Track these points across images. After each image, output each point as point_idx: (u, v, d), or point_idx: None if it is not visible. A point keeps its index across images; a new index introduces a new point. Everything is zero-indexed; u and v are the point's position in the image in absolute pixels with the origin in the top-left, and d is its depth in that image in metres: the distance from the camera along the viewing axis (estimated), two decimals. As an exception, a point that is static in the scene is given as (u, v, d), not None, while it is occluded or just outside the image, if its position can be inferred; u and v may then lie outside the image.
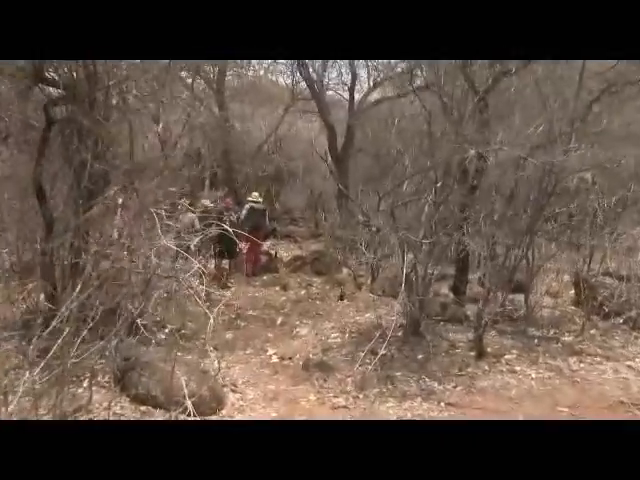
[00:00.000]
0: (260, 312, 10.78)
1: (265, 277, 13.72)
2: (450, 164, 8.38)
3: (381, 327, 8.48)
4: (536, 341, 8.40)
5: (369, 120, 18.85)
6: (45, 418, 4.69)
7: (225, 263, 13.76)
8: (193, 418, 4.78)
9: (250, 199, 14.99)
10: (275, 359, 8.15)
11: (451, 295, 10.12)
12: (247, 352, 8.36)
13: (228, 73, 19.17)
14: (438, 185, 8.35)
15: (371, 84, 19.65)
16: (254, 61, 20.13)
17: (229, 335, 9.01)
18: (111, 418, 5.68)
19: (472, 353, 7.80)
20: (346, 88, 19.88)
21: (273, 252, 15.76)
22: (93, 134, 7.38)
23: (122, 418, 5.90)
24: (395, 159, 9.77)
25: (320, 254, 14.73)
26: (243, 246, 14.33)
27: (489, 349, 7.91)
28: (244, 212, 14.39)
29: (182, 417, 4.94)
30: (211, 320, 5.47)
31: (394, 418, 6.16)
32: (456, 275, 10.40)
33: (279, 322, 10.07)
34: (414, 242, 7.67)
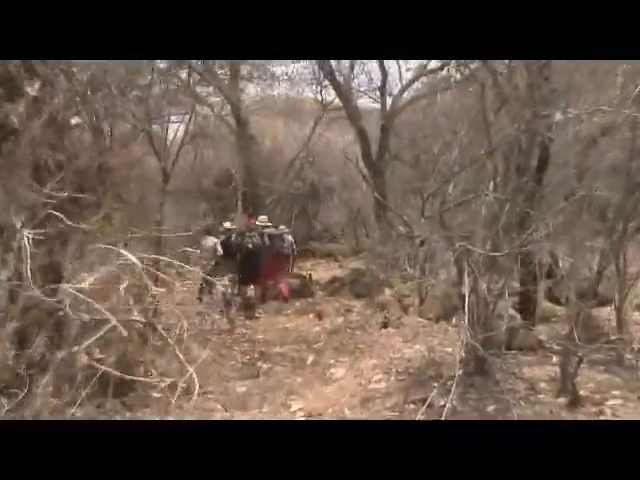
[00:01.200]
0: (289, 348, 8.82)
1: (298, 303, 11.73)
2: (512, 148, 6.27)
3: (435, 364, 6.59)
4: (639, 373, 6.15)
5: (404, 123, 16.77)
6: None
7: (251, 290, 11.84)
8: (193, 418, 4.53)
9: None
10: (300, 416, 6.06)
11: (518, 316, 7.88)
12: (264, 410, 6.29)
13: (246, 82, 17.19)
14: (498, 179, 6.24)
15: (403, 83, 17.60)
16: (277, 71, 18.72)
17: (241, 388, 6.94)
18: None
19: (561, 399, 5.60)
20: (377, 93, 17.93)
21: (307, 274, 13.73)
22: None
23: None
24: (440, 153, 7.78)
25: (360, 274, 12.67)
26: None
27: (582, 391, 5.71)
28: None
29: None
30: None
31: None
32: (522, 290, 8.19)
33: (310, 361, 8.07)
34: (474, 254, 5.56)
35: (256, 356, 8.50)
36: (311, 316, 10.77)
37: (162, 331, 5.24)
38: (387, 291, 10.86)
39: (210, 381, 7.16)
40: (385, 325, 9.28)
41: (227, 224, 13.36)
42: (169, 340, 5.08)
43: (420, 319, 9.44)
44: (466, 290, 5.49)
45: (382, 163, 15.90)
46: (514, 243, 5.87)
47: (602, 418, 5.18)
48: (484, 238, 6.01)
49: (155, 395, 6.25)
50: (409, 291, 11.00)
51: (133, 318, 5.40)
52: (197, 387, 4.42)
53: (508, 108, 6.73)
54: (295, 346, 8.91)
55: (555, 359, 6.76)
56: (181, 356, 4.84)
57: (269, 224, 13.25)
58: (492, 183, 6.31)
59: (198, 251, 12.54)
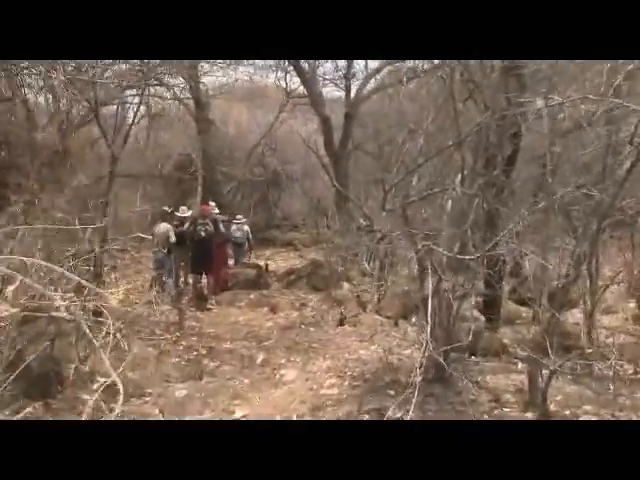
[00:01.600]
0: (239, 345, 8.17)
1: (252, 295, 11.05)
2: (482, 139, 5.71)
3: (392, 369, 6.12)
4: (611, 385, 5.66)
5: (369, 113, 16.16)
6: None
7: (203, 280, 11.21)
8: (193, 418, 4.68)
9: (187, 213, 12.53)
10: (243, 425, 5.44)
11: (482, 318, 7.33)
12: (204, 416, 5.64)
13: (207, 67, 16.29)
14: (466, 172, 5.69)
15: (369, 71, 17.02)
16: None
17: (182, 391, 6.25)
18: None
19: (529, 414, 5.08)
20: (342, 81, 17.34)
21: (264, 264, 13.09)
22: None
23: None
24: (404, 142, 7.24)
25: (318, 266, 12.05)
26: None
27: (551, 404, 5.20)
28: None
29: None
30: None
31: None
32: (486, 291, 7.64)
33: (259, 360, 7.43)
34: (438, 253, 5.00)
35: (204, 352, 7.85)
36: (265, 309, 10.15)
37: (87, 330, 4.56)
38: (345, 285, 10.27)
39: (149, 382, 6.50)
40: (341, 322, 8.73)
41: (183, 209, 12.67)
42: (94, 341, 4.41)
43: (378, 317, 8.92)
44: (429, 292, 4.95)
45: (344, 153, 15.30)
46: (483, 243, 5.34)
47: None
48: (451, 237, 5.46)
49: (85, 397, 5.58)
50: (368, 287, 10.47)
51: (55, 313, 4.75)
52: (122, 392, 3.78)
53: (479, 95, 6.18)
54: (245, 342, 8.28)
55: (520, 366, 6.29)
56: (106, 360, 4.19)
57: (216, 211, 12.58)
58: (459, 176, 5.76)
59: (150, 237, 11.89)
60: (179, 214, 12.47)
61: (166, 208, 12.44)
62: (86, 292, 5.46)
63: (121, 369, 4.03)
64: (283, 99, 20.00)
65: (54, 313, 4.77)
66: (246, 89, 22.76)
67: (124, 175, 21.01)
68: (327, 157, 16.72)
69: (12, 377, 4.93)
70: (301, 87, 17.63)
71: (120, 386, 3.81)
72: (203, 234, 10.99)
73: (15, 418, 4.68)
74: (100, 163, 21.67)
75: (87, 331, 4.88)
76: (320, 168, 22.72)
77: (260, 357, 7.49)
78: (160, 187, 21.02)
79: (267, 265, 13.13)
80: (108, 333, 4.65)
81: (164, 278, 11.10)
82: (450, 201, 5.85)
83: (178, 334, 8.80)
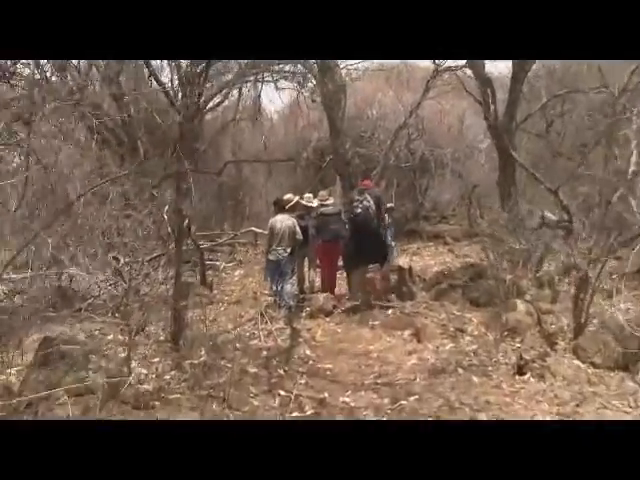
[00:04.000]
0: (364, 398, 5.12)
1: (391, 311, 7.88)
2: None
3: None
4: None
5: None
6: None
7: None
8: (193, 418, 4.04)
9: (317, 201, 9.40)
10: None
11: None
12: None
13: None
14: None
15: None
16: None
17: None
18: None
19: None
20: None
21: (406, 266, 9.82)
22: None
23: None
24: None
25: (477, 271, 8.64)
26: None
27: None
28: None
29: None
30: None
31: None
32: None
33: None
34: None
35: (308, 410, 4.85)
36: (407, 334, 6.97)
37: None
38: (520, 306, 6.74)
39: None
40: (520, 369, 5.37)
41: (308, 197, 9.76)
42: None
43: (578, 363, 5.46)
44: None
45: (510, 126, 11.31)
46: None
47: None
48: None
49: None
50: (554, 306, 6.99)
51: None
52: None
53: None
54: (373, 395, 5.20)
55: None
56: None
57: (330, 201, 9.49)
58: None
59: (266, 232, 9.09)
60: (305, 202, 9.60)
61: (290, 195, 9.56)
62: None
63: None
64: (432, 73, 16.44)
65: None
66: (392, 70, 19.79)
67: (257, 160, 18.81)
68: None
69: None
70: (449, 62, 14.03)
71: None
72: (359, 210, 8.01)
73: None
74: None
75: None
76: (474, 151, 19.27)
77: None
78: (294, 175, 18.49)
79: (410, 268, 9.85)
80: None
81: (278, 287, 8.22)
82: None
83: (282, 370, 5.90)
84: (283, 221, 8.44)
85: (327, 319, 7.89)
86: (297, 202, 9.34)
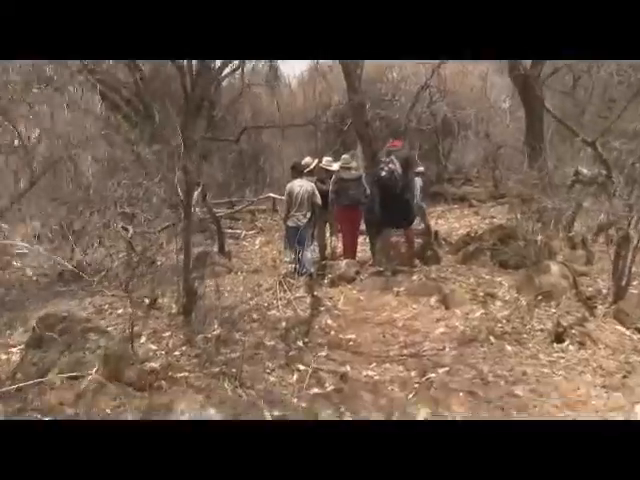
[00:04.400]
0: (390, 370, 4.72)
1: (416, 276, 7.43)
2: None
3: None
4: None
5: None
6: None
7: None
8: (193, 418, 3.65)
9: (338, 165, 8.82)
10: None
11: None
12: None
13: None
14: None
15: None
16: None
17: None
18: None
19: None
20: None
21: (432, 230, 9.31)
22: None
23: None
24: None
25: (506, 233, 8.09)
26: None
27: None
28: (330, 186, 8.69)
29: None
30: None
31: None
32: None
33: (422, 416, 3.87)
34: None
35: (329, 386, 4.45)
36: (433, 300, 6.51)
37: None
38: (554, 268, 6.23)
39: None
40: (559, 337, 4.89)
41: (327, 160, 9.27)
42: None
43: (622, 328, 4.98)
44: None
45: (536, 76, 10.57)
46: None
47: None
48: None
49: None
50: (590, 269, 6.47)
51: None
52: None
53: None
54: (400, 367, 4.78)
55: None
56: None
57: (353, 165, 8.90)
58: None
59: (283, 197, 8.66)
60: (324, 165, 9.13)
61: (308, 159, 9.08)
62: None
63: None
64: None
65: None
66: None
67: (275, 126, 18.30)
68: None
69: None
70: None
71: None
72: (384, 173, 7.56)
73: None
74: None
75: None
76: (498, 112, 18.53)
77: (423, 413, 3.93)
78: (315, 139, 17.92)
79: (437, 233, 9.35)
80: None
81: (298, 254, 7.80)
82: None
83: (302, 342, 5.51)
84: (302, 186, 8.01)
85: (349, 286, 7.44)
86: (316, 165, 8.89)
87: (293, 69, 42.71)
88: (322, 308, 6.58)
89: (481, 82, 18.39)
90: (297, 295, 6.94)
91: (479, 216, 14.13)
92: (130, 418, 3.45)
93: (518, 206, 8.15)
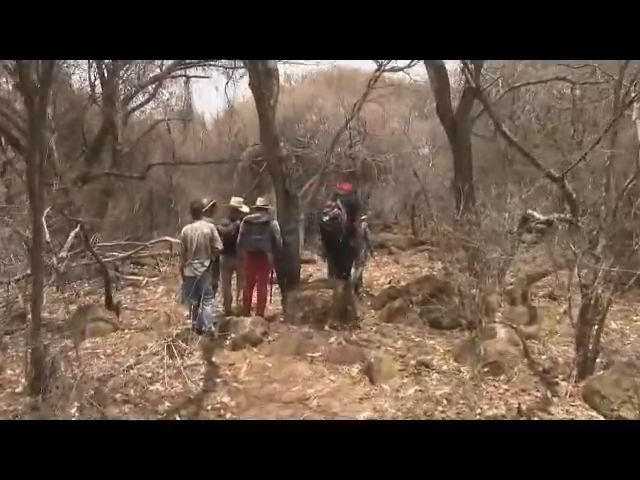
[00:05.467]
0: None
1: (334, 338, 6.10)
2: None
3: None
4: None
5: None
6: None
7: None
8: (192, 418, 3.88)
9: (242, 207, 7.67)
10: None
11: None
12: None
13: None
14: None
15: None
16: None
17: None
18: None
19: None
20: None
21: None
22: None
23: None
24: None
25: (435, 286, 6.93)
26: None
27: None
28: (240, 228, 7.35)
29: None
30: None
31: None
32: None
33: None
34: None
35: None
36: (355, 370, 5.21)
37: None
38: (501, 331, 5.03)
39: None
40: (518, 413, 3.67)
41: (237, 201, 7.86)
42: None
43: (596, 414, 3.81)
44: None
45: (465, 118, 9.63)
46: None
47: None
48: None
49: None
50: (538, 332, 5.35)
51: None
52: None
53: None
54: None
55: None
56: None
57: (268, 207, 7.55)
58: None
59: (179, 241, 7.22)
60: (234, 205, 7.78)
61: (205, 200, 7.64)
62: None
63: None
64: (373, 74, 14.73)
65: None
66: (332, 74, 18.30)
67: (186, 163, 16.92)
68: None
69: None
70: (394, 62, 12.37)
71: None
72: (327, 218, 6.51)
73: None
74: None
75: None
76: (416, 156, 17.88)
77: None
78: (230, 180, 16.68)
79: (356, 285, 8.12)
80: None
81: (197, 309, 6.36)
82: None
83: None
84: (198, 229, 6.59)
85: (255, 350, 6.02)
86: (214, 205, 7.50)
87: (208, 105, 42.36)
88: (219, 380, 5.17)
89: (402, 126, 17.74)
90: (189, 363, 5.50)
91: (399, 264, 13.12)
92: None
93: (446, 254, 7.02)
